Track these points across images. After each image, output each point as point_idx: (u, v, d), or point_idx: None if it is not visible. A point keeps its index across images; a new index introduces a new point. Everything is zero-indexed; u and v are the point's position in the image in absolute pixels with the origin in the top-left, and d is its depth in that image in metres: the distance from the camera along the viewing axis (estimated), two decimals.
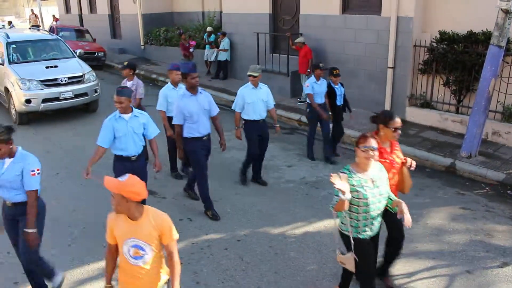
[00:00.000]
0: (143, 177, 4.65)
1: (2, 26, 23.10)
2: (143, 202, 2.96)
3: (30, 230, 3.64)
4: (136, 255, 2.76)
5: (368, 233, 3.38)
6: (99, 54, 15.78)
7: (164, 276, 2.93)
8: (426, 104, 8.62)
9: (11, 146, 3.56)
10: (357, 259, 3.37)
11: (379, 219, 3.43)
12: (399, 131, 3.71)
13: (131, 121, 4.65)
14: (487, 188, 6.24)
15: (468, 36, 7.80)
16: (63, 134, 8.74)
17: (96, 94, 9.99)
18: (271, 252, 4.75)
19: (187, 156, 5.44)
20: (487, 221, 5.32)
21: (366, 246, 3.40)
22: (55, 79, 9.38)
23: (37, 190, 3.66)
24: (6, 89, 9.45)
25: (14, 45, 9.90)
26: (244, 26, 12.10)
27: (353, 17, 9.39)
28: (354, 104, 8.28)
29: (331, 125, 7.27)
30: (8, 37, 9.98)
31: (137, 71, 14.49)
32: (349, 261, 3.44)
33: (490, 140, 7.52)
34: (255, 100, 6.02)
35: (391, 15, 8.50)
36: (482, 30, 7.62)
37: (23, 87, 9.02)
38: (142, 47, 16.99)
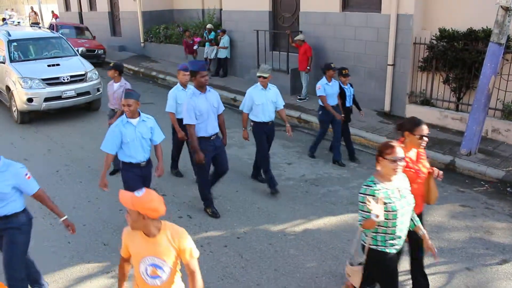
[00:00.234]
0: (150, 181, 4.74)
1: (9, 17, 23.37)
2: None
3: (63, 219, 3.68)
4: (154, 274, 2.60)
5: (396, 246, 3.17)
6: (99, 52, 15.74)
7: None
8: (426, 101, 8.62)
9: None
10: (362, 272, 3.23)
11: (406, 231, 3.22)
12: (426, 139, 3.43)
13: (139, 126, 4.51)
14: (486, 185, 6.24)
15: (468, 34, 7.79)
16: (65, 133, 8.73)
17: (99, 92, 9.92)
18: (270, 249, 4.76)
19: (191, 154, 5.36)
20: (487, 218, 5.34)
21: (392, 263, 3.21)
22: (57, 78, 9.27)
23: (40, 188, 3.60)
24: (8, 88, 9.36)
25: (15, 43, 9.79)
26: (244, 23, 12.09)
27: (353, 15, 9.39)
28: None
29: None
30: (9, 35, 9.87)
31: (136, 69, 14.81)
32: (356, 274, 3.30)
33: (490, 138, 7.52)
34: (264, 101, 5.82)
35: (391, 13, 8.49)
36: (482, 28, 7.61)
37: (25, 86, 8.91)
38: (142, 44, 16.98)
